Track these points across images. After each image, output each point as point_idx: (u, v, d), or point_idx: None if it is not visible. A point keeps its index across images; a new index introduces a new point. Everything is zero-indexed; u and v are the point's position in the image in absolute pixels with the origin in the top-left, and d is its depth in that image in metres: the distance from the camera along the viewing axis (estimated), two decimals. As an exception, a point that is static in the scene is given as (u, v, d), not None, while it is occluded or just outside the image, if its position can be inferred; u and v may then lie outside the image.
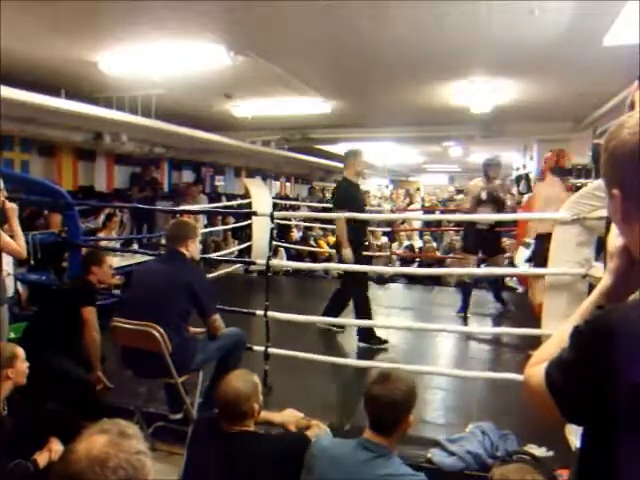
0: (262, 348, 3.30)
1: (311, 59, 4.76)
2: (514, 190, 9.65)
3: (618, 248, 0.91)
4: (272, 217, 3.56)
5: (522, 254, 4.78)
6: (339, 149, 11.54)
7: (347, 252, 3.97)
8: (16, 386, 2.35)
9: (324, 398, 3.24)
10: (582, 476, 0.85)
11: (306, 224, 8.80)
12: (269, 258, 3.50)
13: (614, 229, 0.90)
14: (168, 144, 7.50)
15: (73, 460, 0.87)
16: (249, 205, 6.75)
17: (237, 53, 4.25)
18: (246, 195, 7.51)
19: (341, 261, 4.09)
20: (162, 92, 5.62)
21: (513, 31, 3.79)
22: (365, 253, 4.79)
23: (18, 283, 4.58)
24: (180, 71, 4.82)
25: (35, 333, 3.10)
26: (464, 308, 4.95)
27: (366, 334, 4.09)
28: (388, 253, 7.65)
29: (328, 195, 11.26)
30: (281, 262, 3.90)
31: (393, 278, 7.23)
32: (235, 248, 7.86)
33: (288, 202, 10.45)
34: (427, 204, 11.16)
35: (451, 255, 7.48)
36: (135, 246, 6.67)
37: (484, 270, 4.30)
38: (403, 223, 8.28)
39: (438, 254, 7.99)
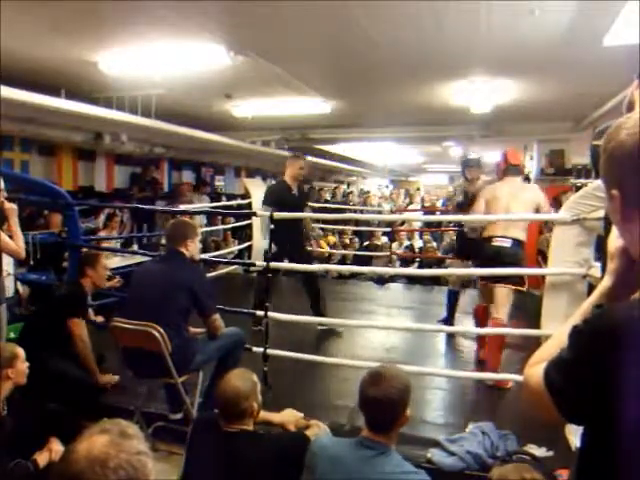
0: (261, 349, 3.30)
1: (311, 59, 4.76)
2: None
3: (617, 249, 0.91)
4: (272, 218, 3.55)
5: None
6: (339, 149, 11.57)
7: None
8: (16, 386, 2.35)
9: (324, 398, 3.25)
10: (582, 476, 0.85)
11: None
12: (269, 259, 3.49)
13: (614, 230, 0.90)
14: (168, 144, 7.49)
15: (73, 460, 0.87)
16: (249, 205, 6.75)
17: (237, 53, 4.25)
18: (246, 195, 7.51)
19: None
20: (162, 92, 5.62)
21: (513, 31, 3.79)
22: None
23: (18, 283, 4.59)
24: (180, 71, 4.81)
25: (33, 333, 3.10)
26: (448, 318, 4.63)
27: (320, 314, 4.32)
28: (388, 253, 7.65)
29: (328, 195, 11.26)
30: (280, 264, 3.89)
31: (393, 278, 7.24)
32: (235, 248, 7.86)
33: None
34: (427, 204, 11.14)
35: (451, 255, 7.47)
36: (135, 246, 6.67)
37: (482, 271, 4.23)
38: (403, 223, 8.28)
39: (438, 254, 8.00)
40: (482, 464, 2.45)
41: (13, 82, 4.24)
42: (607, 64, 4.26)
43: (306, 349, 3.63)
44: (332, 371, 3.61)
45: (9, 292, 3.98)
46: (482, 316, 3.93)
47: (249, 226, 7.00)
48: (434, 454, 2.54)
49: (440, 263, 7.45)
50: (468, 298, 5.12)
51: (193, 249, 2.82)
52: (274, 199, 4.36)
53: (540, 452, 2.46)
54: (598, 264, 2.83)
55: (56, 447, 2.24)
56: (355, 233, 8.95)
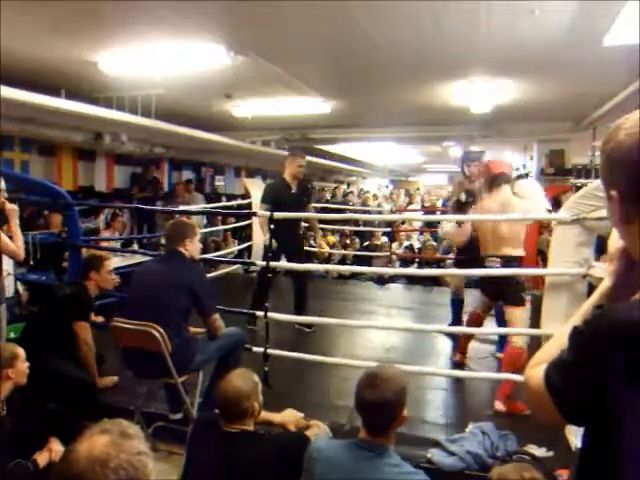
0: (261, 349, 3.30)
1: (311, 59, 4.76)
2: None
3: (618, 250, 0.91)
4: (272, 218, 3.55)
5: None
6: (339, 149, 11.58)
7: (265, 240, 4.18)
8: (16, 386, 2.35)
9: (324, 398, 3.25)
10: (582, 476, 0.85)
11: (306, 224, 8.78)
12: (269, 259, 3.49)
13: (615, 231, 0.90)
14: (168, 144, 7.50)
15: (74, 460, 0.87)
16: (249, 205, 6.75)
17: (237, 53, 4.26)
18: (246, 195, 7.51)
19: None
20: (162, 92, 5.62)
21: (513, 31, 3.79)
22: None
23: (18, 283, 4.59)
24: (180, 71, 4.82)
25: (34, 333, 3.10)
26: (455, 323, 4.40)
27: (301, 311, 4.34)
28: (388, 253, 7.65)
29: (328, 195, 11.26)
30: (280, 263, 3.89)
31: (393, 278, 7.23)
32: (235, 248, 7.86)
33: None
34: (427, 204, 11.14)
35: (451, 255, 7.47)
36: (135, 246, 6.68)
37: (482, 271, 4.10)
38: (403, 223, 8.28)
39: (438, 254, 7.99)
40: (482, 464, 2.45)
41: (13, 82, 4.24)
42: (607, 64, 4.27)
43: (306, 349, 3.63)
44: (332, 371, 3.61)
45: (9, 292, 3.98)
46: (475, 323, 3.67)
47: (249, 226, 7.00)
48: (434, 454, 2.54)
49: (440, 263, 7.45)
50: (470, 298, 5.11)
51: (192, 249, 2.82)
52: (272, 197, 4.33)
53: (540, 452, 2.46)
54: (598, 264, 2.83)
55: (56, 447, 2.24)
56: (355, 233, 8.95)
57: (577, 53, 4.20)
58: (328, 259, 7.90)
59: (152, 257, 3.95)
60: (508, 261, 3.27)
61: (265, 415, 2.07)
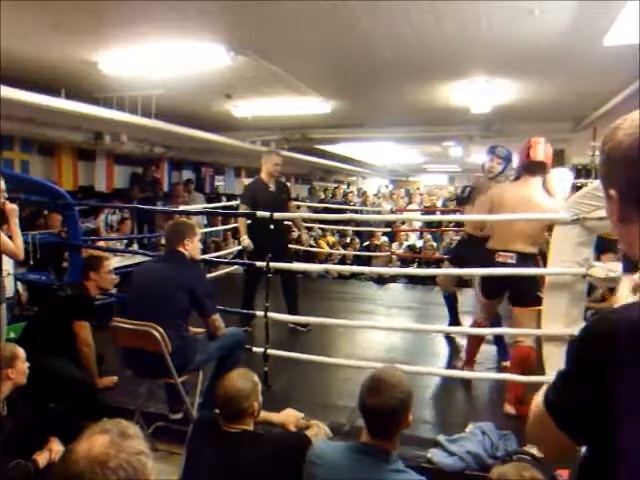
0: (261, 349, 3.30)
1: (311, 59, 4.76)
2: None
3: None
4: (272, 218, 3.55)
5: None
6: (339, 149, 11.57)
7: (243, 239, 4.36)
8: (16, 386, 2.35)
9: (324, 398, 3.25)
10: (583, 477, 0.85)
11: (306, 224, 8.79)
12: (269, 259, 3.49)
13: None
14: (168, 144, 7.50)
15: (73, 460, 0.87)
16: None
17: (237, 53, 4.26)
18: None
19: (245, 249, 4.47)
20: (162, 92, 5.62)
21: (513, 31, 3.79)
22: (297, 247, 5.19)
23: (18, 283, 4.59)
24: (180, 71, 4.81)
25: (35, 333, 3.11)
26: (453, 321, 4.45)
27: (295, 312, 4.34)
28: (388, 253, 7.65)
29: (328, 195, 11.26)
30: (281, 264, 3.88)
31: (393, 278, 7.24)
32: (235, 248, 7.85)
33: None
34: (427, 204, 11.13)
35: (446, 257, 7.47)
36: (135, 246, 6.68)
37: (482, 271, 4.01)
38: (403, 223, 8.28)
39: (438, 254, 7.99)
40: (482, 464, 2.45)
41: (13, 82, 4.24)
42: (607, 64, 4.27)
43: (305, 349, 3.63)
44: (332, 371, 3.61)
45: (9, 292, 3.98)
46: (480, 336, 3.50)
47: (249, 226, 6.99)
48: (434, 454, 2.55)
49: (439, 263, 7.44)
50: (468, 299, 5.11)
51: (192, 248, 2.82)
52: (250, 198, 4.38)
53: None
54: (599, 263, 2.83)
55: (56, 447, 2.25)
56: (355, 233, 8.95)
57: (577, 53, 4.20)
58: (327, 259, 7.91)
59: (152, 257, 3.94)
60: (524, 258, 3.02)
61: (265, 415, 2.07)
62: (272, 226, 3.94)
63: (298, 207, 8.22)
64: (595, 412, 0.75)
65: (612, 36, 3.60)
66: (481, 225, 3.67)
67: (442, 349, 4.35)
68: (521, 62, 4.57)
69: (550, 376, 2.64)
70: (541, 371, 2.86)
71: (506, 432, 2.66)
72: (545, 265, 3.09)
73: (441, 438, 2.65)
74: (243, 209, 4.36)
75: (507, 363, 3.57)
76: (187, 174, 9.41)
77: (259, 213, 3.57)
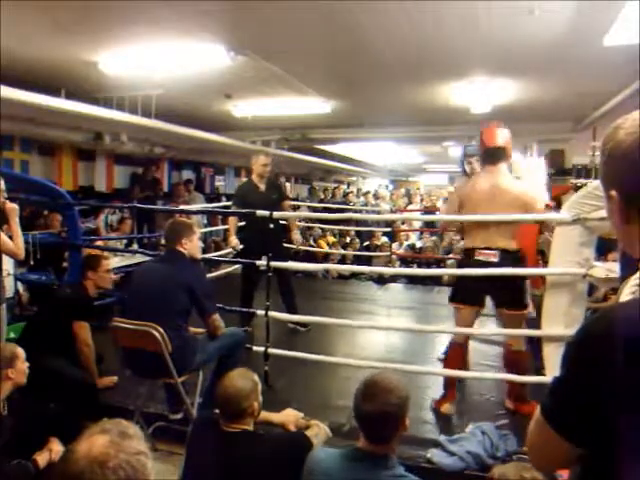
0: (262, 348, 3.30)
1: (311, 59, 4.76)
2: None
3: None
4: (271, 218, 3.55)
5: None
6: (339, 149, 11.57)
7: (231, 240, 4.47)
8: (16, 386, 2.35)
9: (324, 398, 3.25)
10: (584, 477, 0.85)
11: (306, 224, 8.79)
12: (269, 259, 3.49)
13: None
14: (168, 144, 7.50)
15: (73, 460, 0.87)
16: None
17: (237, 53, 4.26)
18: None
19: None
20: (162, 92, 5.62)
21: (513, 31, 3.79)
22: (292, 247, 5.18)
23: (18, 283, 4.58)
24: (180, 71, 4.81)
25: (34, 333, 3.11)
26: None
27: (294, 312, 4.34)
28: (388, 253, 7.65)
29: (328, 195, 11.26)
30: (283, 263, 3.87)
31: (393, 278, 7.24)
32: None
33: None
34: (426, 204, 11.13)
35: (451, 255, 7.47)
36: (135, 246, 6.67)
37: (483, 271, 3.87)
38: (403, 223, 8.28)
39: (437, 254, 7.99)
40: (482, 464, 2.45)
41: (13, 82, 4.24)
42: (607, 64, 4.27)
43: (305, 349, 3.63)
44: (332, 371, 3.61)
45: (9, 292, 3.98)
46: (456, 357, 3.09)
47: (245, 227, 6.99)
48: (434, 454, 2.54)
49: (440, 263, 7.45)
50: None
51: (191, 248, 2.81)
52: (240, 199, 4.47)
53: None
54: (599, 263, 2.83)
55: (56, 447, 2.25)
56: (355, 233, 8.95)
57: (577, 53, 4.20)
58: (326, 258, 7.91)
59: (152, 257, 3.94)
60: (508, 255, 2.84)
61: (265, 415, 2.07)
62: (271, 225, 3.94)
63: (298, 207, 8.23)
64: (593, 413, 0.74)
65: (612, 36, 3.60)
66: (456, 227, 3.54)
67: (442, 349, 4.34)
68: (521, 62, 4.57)
69: (550, 376, 2.64)
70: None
71: (506, 432, 2.66)
72: (545, 264, 3.08)
73: (441, 438, 2.65)
74: (234, 209, 4.47)
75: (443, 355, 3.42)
76: (187, 174, 9.41)
77: (259, 213, 3.56)
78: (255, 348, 3.34)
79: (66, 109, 4.93)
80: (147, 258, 4.28)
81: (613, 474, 0.73)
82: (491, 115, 6.61)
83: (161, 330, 2.52)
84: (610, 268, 2.66)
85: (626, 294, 0.85)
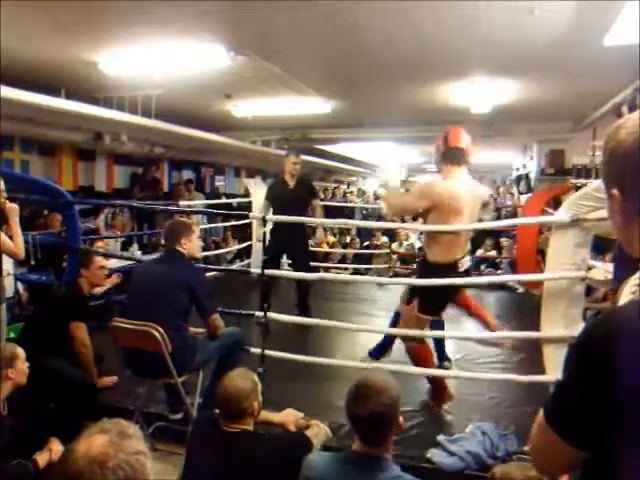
0: (259, 350, 3.30)
1: (311, 59, 4.77)
2: (514, 190, 9.68)
3: None
4: (264, 220, 3.54)
5: None
6: (339, 149, 11.57)
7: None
8: (16, 386, 2.35)
9: (324, 398, 3.24)
10: (584, 477, 0.85)
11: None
12: (264, 265, 3.48)
13: None
14: (168, 144, 7.50)
15: (73, 460, 0.87)
16: (249, 204, 6.75)
17: (237, 53, 4.26)
18: (246, 195, 7.51)
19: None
20: (162, 92, 5.62)
21: (513, 31, 3.79)
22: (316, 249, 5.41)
23: (18, 283, 4.58)
24: (180, 71, 4.82)
25: (33, 333, 3.10)
26: (440, 358, 3.64)
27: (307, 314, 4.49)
28: (388, 251, 7.65)
29: (328, 195, 11.26)
30: (274, 271, 3.82)
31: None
32: (235, 247, 7.86)
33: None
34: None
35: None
36: (135, 245, 6.67)
37: (482, 279, 3.77)
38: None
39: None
40: (482, 464, 2.45)
41: (13, 82, 4.24)
42: (607, 64, 4.27)
43: (306, 349, 3.63)
44: (332, 371, 3.61)
45: (9, 292, 3.98)
46: (422, 355, 3.08)
47: (249, 225, 7.00)
48: (434, 454, 2.54)
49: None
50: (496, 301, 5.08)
51: (191, 247, 2.81)
52: (270, 195, 4.72)
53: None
54: (598, 264, 2.83)
55: (56, 447, 2.24)
56: (355, 233, 8.95)
57: (577, 53, 4.20)
58: (326, 258, 7.91)
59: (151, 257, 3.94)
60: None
61: (265, 415, 2.07)
62: (289, 226, 4.07)
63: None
64: (596, 416, 0.74)
65: (612, 36, 3.60)
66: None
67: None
68: (521, 62, 4.57)
69: (550, 377, 2.65)
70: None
71: (506, 432, 2.66)
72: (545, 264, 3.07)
73: (441, 438, 2.65)
74: (265, 206, 4.67)
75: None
76: (187, 174, 9.41)
77: (252, 215, 3.64)
78: (252, 350, 3.34)
79: (66, 109, 4.93)
80: (145, 258, 4.28)
81: (615, 477, 0.73)
82: (491, 115, 6.62)
83: (161, 330, 2.53)
84: (608, 269, 2.66)
85: (626, 294, 0.85)
